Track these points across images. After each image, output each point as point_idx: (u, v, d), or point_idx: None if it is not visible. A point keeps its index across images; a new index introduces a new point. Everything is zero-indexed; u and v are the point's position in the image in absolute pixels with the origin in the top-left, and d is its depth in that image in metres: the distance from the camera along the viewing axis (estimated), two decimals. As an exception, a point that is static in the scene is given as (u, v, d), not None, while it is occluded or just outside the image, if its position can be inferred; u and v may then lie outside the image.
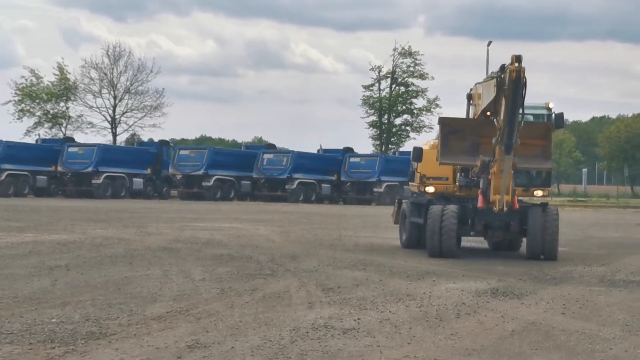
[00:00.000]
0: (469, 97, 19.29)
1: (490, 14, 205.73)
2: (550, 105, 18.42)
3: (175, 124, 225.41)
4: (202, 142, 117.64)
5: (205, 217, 32.20)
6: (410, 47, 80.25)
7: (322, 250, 18.83)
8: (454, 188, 18.82)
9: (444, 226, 17.35)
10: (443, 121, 18.35)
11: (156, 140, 64.50)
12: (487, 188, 16.93)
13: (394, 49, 79.85)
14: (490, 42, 54.64)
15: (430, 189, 19.03)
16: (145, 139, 74.60)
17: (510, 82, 15.23)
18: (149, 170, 54.66)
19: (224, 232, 23.62)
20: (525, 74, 15.37)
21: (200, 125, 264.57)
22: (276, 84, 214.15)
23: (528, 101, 17.73)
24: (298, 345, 8.71)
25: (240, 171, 55.33)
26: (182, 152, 56.86)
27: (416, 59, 79.81)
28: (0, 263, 14.85)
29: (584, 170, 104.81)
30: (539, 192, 18.60)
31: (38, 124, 70.77)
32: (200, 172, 53.66)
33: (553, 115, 20.04)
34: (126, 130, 74.67)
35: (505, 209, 16.46)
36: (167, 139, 66.72)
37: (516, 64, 15.22)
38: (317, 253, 18.18)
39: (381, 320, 10.24)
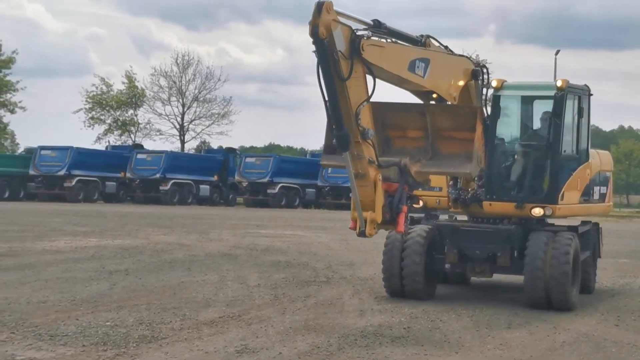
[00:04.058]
0: None
1: (560, 22, 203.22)
2: (559, 84, 12.45)
3: (244, 131, 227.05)
4: (271, 150, 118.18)
5: (268, 224, 32.42)
6: (477, 55, 79.72)
7: (379, 258, 18.74)
8: (448, 202, 13.27)
9: (406, 266, 12.82)
10: None
11: (224, 147, 65.12)
12: None
13: (463, 58, 79.37)
14: (558, 51, 53.89)
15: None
16: (214, 146, 75.36)
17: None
18: (215, 177, 55.27)
19: (284, 239, 23.76)
20: (348, 32, 9.67)
21: (270, 133, 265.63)
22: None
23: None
24: (345, 352, 8.78)
25: (305, 179, 55.57)
26: (248, 159, 57.25)
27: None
28: (63, 267, 15.21)
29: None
30: (537, 211, 12.58)
31: (108, 131, 72.11)
32: (266, 179, 54.03)
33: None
34: (194, 137, 75.65)
35: (371, 233, 10.04)
36: (236, 146, 67.33)
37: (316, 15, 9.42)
38: (374, 261, 18.13)
39: (431, 329, 10.26)
